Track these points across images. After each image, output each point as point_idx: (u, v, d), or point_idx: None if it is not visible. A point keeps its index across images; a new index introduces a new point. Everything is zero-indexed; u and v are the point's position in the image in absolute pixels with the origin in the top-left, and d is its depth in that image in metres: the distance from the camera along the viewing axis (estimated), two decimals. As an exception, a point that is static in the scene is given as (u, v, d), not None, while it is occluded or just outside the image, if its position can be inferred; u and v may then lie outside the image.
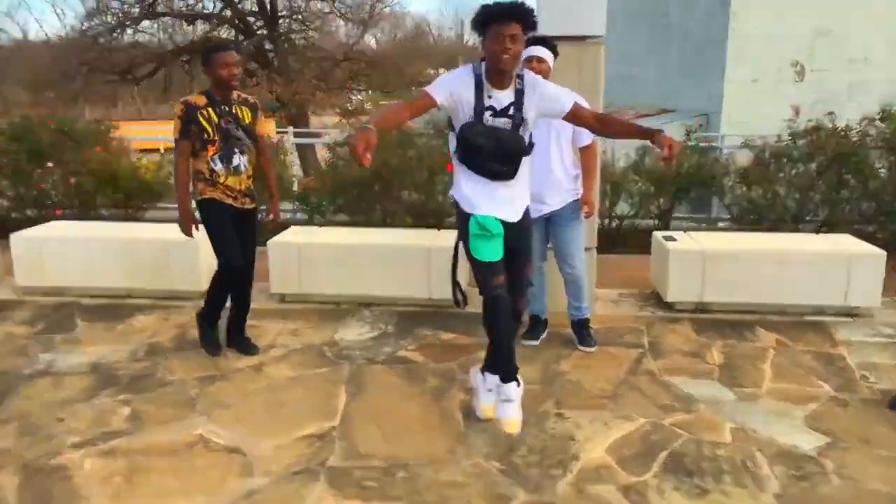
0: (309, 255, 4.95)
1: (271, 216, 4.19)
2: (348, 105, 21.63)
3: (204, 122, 3.79)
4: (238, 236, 3.94)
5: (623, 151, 7.64)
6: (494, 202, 3.03)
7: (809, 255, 4.74)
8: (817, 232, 6.28)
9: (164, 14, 22.31)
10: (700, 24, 13.86)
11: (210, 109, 3.80)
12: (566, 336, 4.36)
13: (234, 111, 3.87)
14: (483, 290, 3.08)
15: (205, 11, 23.12)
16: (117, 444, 3.12)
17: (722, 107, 12.84)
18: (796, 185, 6.61)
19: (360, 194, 6.56)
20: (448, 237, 5.11)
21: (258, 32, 22.38)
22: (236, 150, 3.87)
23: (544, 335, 4.34)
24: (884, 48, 12.86)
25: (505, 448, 3.11)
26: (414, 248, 4.92)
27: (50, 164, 6.97)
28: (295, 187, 7.83)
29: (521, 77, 3.00)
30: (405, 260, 4.90)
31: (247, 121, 3.92)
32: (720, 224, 7.29)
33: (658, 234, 5.18)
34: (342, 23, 24.44)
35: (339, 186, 6.59)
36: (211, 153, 3.82)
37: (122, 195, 7.19)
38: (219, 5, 23.06)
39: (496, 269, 3.04)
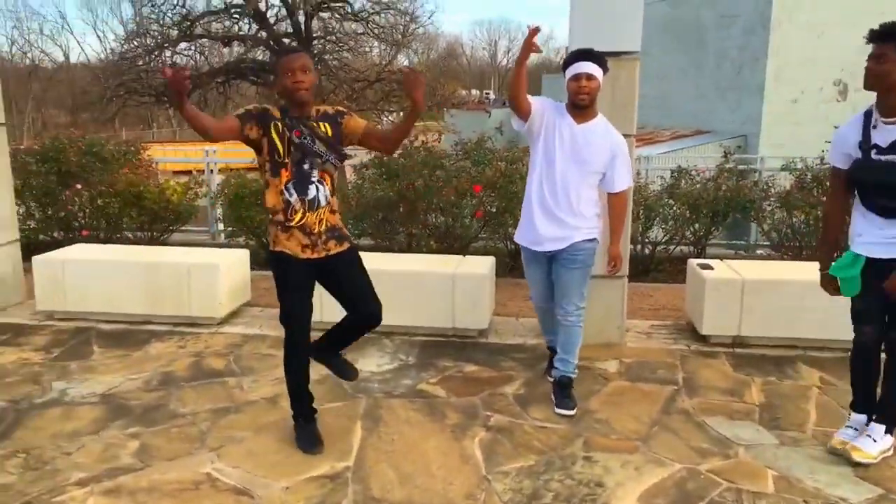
0: (330, 281, 4.82)
1: None
2: (379, 126, 21.68)
3: (275, 137, 3.03)
4: (340, 288, 3.25)
5: (657, 174, 7.42)
6: (871, 238, 3.00)
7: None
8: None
9: (201, 36, 22.70)
10: (738, 43, 13.59)
11: (281, 123, 3.04)
12: (597, 371, 4.16)
13: (312, 126, 3.08)
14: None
15: (240, 34, 23.49)
16: (123, 482, 3.00)
17: (760, 128, 12.54)
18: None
19: (385, 217, 6.44)
20: (474, 263, 4.95)
21: (292, 54, 22.58)
22: (313, 178, 3.08)
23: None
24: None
25: (529, 495, 2.92)
26: (438, 275, 4.76)
27: (78, 186, 6.99)
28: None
29: None
30: (429, 287, 4.75)
31: (328, 135, 3.11)
32: (759, 251, 7.01)
33: (693, 262, 4.94)
34: (376, 43, 24.64)
35: (364, 209, 6.47)
36: (284, 180, 3.06)
37: (147, 217, 7.18)
38: (254, 27, 23.42)
39: (859, 310, 3.14)
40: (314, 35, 23.75)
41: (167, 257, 5.21)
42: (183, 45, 24.83)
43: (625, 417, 3.62)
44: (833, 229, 3.23)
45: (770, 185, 6.63)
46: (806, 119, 12.36)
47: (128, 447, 3.30)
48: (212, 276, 4.94)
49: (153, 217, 7.21)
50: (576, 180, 3.59)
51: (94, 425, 3.52)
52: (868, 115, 2.96)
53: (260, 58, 24.45)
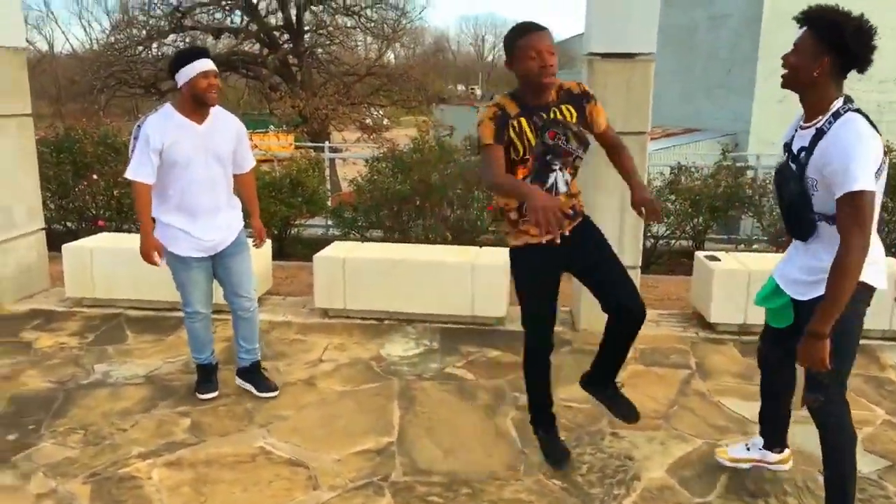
0: (353, 269, 5.01)
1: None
2: (368, 120, 21.84)
3: (514, 136, 2.68)
4: (591, 270, 2.89)
5: (658, 170, 7.67)
6: (785, 265, 2.64)
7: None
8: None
9: (191, 28, 22.62)
10: (728, 43, 13.91)
11: (522, 120, 2.69)
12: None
13: (554, 115, 2.73)
14: None
15: (231, 25, 23.43)
16: (182, 455, 3.17)
17: (750, 126, 12.86)
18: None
19: (399, 210, 6.63)
20: (492, 254, 5.16)
21: (283, 46, 22.61)
22: (554, 166, 2.75)
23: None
24: (912, 70, 12.81)
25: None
26: (458, 265, 4.96)
27: (94, 177, 7.09)
28: (329, 202, 7.94)
29: (837, 116, 2.30)
30: (449, 276, 4.94)
31: (573, 121, 2.75)
32: (755, 245, 7.29)
33: (700, 254, 5.19)
34: (365, 38, 24.75)
35: (378, 202, 6.66)
36: (521, 176, 2.73)
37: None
38: (245, 20, 23.37)
39: (765, 333, 2.87)
40: (305, 28, 23.74)
41: (192, 246, 5.35)
42: (172, 36, 24.65)
43: (644, 398, 3.84)
44: None
45: (767, 181, 6.91)
46: (793, 118, 12.72)
47: (180, 424, 3.47)
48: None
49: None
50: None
51: (143, 404, 3.68)
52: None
53: (248, 49, 24.42)
